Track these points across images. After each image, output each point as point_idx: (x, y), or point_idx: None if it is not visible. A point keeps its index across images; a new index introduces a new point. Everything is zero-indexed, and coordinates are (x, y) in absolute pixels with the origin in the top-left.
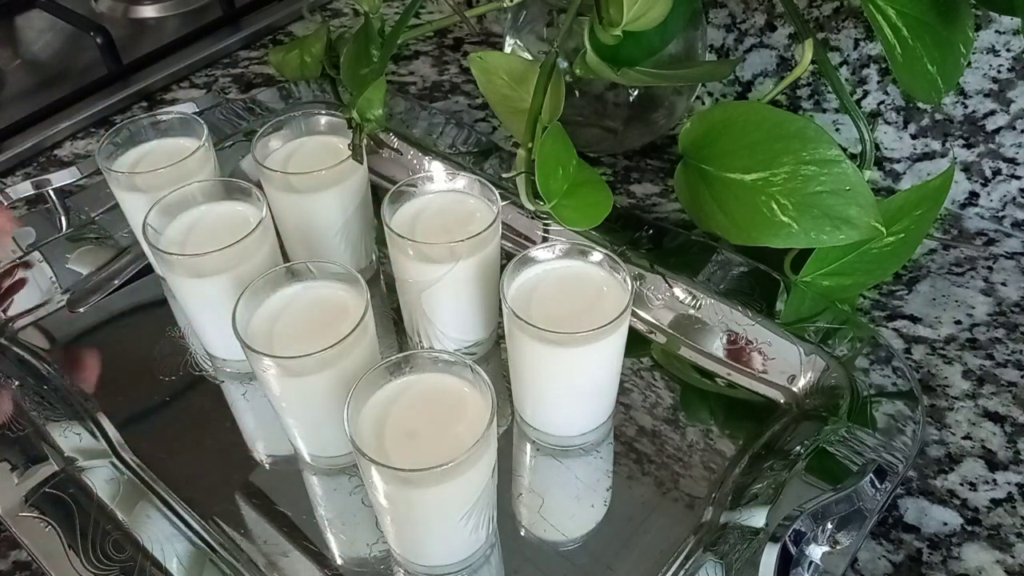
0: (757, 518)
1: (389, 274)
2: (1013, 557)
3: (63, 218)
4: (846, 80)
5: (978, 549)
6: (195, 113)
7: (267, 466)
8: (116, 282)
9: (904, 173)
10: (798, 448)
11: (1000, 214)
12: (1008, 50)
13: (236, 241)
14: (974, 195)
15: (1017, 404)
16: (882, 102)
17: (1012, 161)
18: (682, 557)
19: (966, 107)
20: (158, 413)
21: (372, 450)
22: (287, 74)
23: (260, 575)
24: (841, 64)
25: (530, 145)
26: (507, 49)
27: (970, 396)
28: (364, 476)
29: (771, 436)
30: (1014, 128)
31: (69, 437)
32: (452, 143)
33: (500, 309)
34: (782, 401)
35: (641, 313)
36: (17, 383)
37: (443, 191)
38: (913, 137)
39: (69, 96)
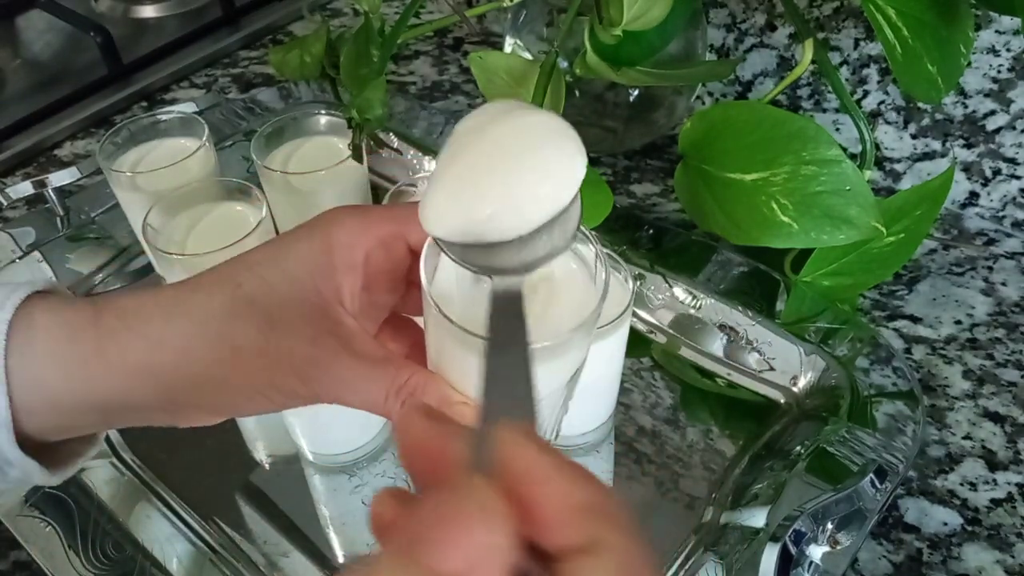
0: (757, 518)
1: None
2: (1013, 557)
3: (63, 218)
4: (846, 80)
5: (978, 549)
6: (195, 113)
7: (267, 466)
8: (116, 282)
9: (904, 173)
10: (798, 448)
11: (1000, 214)
12: (1008, 50)
13: (236, 241)
14: (974, 195)
15: (1017, 404)
16: (882, 102)
17: (1012, 161)
18: (682, 557)
19: (966, 107)
20: None
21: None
22: (287, 74)
23: (260, 575)
24: (841, 64)
25: None
26: (507, 49)
27: (970, 396)
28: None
29: (771, 436)
30: (1014, 128)
31: None
32: None
33: None
34: (782, 401)
35: (641, 313)
36: None
37: None
38: (913, 137)
39: (69, 96)
